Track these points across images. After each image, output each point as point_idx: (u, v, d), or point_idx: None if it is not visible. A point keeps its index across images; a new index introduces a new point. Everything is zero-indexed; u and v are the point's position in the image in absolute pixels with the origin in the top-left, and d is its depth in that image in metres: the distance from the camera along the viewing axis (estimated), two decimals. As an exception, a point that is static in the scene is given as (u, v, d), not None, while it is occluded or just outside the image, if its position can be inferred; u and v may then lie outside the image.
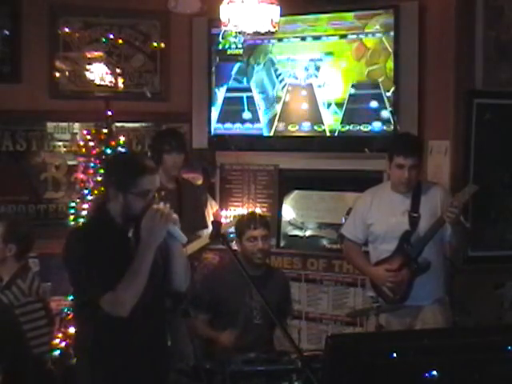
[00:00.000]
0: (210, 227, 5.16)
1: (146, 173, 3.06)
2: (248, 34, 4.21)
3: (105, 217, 3.11)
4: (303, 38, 5.44)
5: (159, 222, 3.00)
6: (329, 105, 5.38)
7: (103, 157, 5.10)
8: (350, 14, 5.30)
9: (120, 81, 5.37)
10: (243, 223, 4.36)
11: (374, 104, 5.25)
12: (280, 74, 5.55)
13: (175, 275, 3.20)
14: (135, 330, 3.06)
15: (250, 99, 5.64)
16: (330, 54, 5.36)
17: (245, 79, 5.67)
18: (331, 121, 5.38)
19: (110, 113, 5.19)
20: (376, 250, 4.35)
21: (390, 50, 5.16)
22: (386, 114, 5.20)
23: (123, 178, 3.05)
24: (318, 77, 5.41)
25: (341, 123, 5.35)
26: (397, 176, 4.23)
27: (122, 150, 5.18)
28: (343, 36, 5.31)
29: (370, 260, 4.40)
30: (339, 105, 5.34)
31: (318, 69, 5.40)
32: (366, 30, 5.23)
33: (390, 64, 5.16)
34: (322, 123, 5.41)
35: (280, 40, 5.49)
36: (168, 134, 5.08)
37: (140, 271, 2.98)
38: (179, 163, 4.83)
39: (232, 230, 4.65)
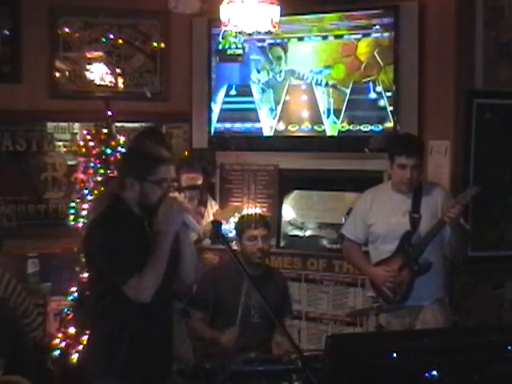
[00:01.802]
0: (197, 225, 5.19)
1: (162, 162, 3.16)
2: (248, 34, 4.22)
3: (121, 205, 3.17)
4: (302, 39, 5.44)
5: (176, 211, 3.10)
6: (329, 105, 5.38)
7: (103, 157, 5.10)
8: (350, 14, 5.30)
9: (120, 81, 5.38)
10: (243, 222, 4.37)
11: (373, 104, 5.25)
12: (280, 74, 5.55)
13: (184, 264, 3.27)
14: (152, 318, 3.12)
15: (250, 99, 5.64)
16: (327, 67, 5.37)
17: (245, 79, 5.68)
18: (331, 121, 5.38)
19: (110, 113, 5.20)
20: (376, 250, 4.35)
21: (381, 63, 5.18)
22: (385, 114, 5.20)
23: (141, 167, 3.14)
24: (318, 76, 5.41)
25: (341, 123, 5.35)
26: (399, 176, 4.22)
27: (123, 149, 5.18)
28: (343, 36, 5.32)
29: (371, 260, 4.40)
30: (339, 105, 5.34)
31: (317, 69, 5.42)
32: (366, 30, 5.23)
33: (383, 77, 5.17)
34: (322, 123, 5.41)
35: (280, 40, 5.49)
36: (148, 131, 5.11)
37: (160, 258, 3.07)
38: None
39: (231, 227, 4.65)
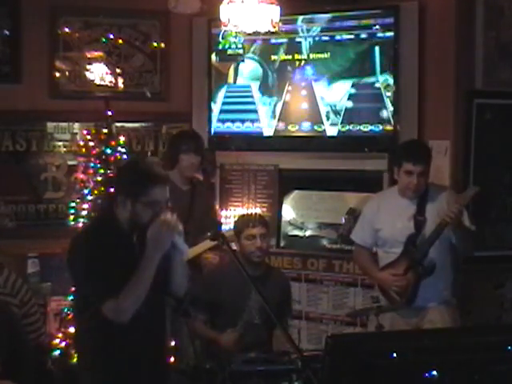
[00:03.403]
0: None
1: (157, 183, 3.06)
2: (248, 34, 4.21)
3: (111, 221, 3.11)
4: (303, 38, 5.44)
5: (165, 233, 3.02)
6: (329, 105, 5.38)
7: (103, 157, 5.10)
8: (350, 14, 5.30)
9: (120, 81, 5.37)
10: (242, 222, 4.37)
11: (373, 104, 5.25)
12: (280, 74, 5.54)
13: (173, 283, 3.24)
14: (136, 334, 3.07)
15: (250, 99, 5.64)
16: (327, 67, 5.38)
17: (245, 79, 5.68)
18: (331, 121, 5.38)
19: (110, 113, 5.19)
20: (385, 253, 4.38)
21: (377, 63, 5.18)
22: (385, 114, 5.19)
23: (134, 186, 3.06)
24: (318, 76, 5.41)
25: (341, 123, 5.35)
26: (405, 182, 4.24)
27: (123, 149, 5.18)
28: (343, 36, 5.31)
29: (379, 263, 4.41)
30: (339, 105, 5.34)
31: (317, 69, 5.41)
32: (366, 30, 5.23)
33: (381, 77, 5.17)
34: (322, 123, 5.41)
35: (280, 40, 5.49)
36: (187, 134, 5.11)
37: (143, 280, 3.00)
38: (196, 164, 4.86)
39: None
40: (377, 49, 5.20)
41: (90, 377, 3.16)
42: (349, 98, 5.30)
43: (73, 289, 3.47)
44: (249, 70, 5.66)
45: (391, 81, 5.15)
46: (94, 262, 3.00)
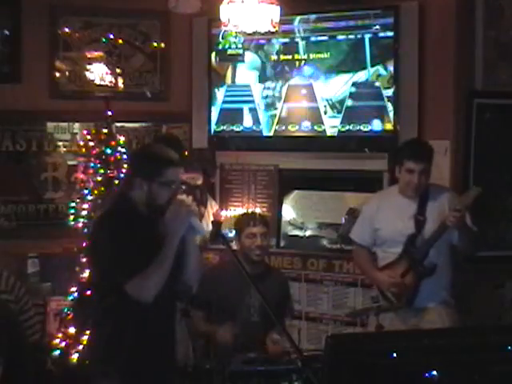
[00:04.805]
0: (209, 227, 5.18)
1: (171, 164, 3.20)
2: (248, 34, 4.22)
3: (127, 204, 3.20)
4: (303, 38, 5.44)
5: (183, 214, 3.14)
6: (329, 105, 5.38)
7: (103, 157, 5.10)
8: (350, 14, 5.30)
9: (120, 81, 5.37)
10: (243, 220, 4.39)
11: (373, 104, 5.25)
12: (280, 74, 5.54)
13: (188, 266, 3.28)
14: (154, 319, 3.13)
15: (250, 99, 5.64)
16: (328, 67, 5.37)
17: (245, 79, 5.67)
18: (331, 121, 5.38)
19: (110, 113, 5.19)
20: (384, 253, 4.36)
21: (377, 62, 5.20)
22: (385, 114, 5.20)
23: (150, 168, 3.18)
24: (318, 77, 5.41)
25: (341, 123, 5.35)
26: (406, 180, 4.22)
27: (123, 149, 5.18)
28: (343, 36, 5.31)
29: (378, 263, 4.40)
30: (339, 105, 5.34)
31: (317, 69, 5.41)
32: (366, 30, 5.23)
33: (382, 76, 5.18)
34: (322, 123, 5.41)
35: (280, 40, 5.49)
36: (165, 139, 5.03)
37: (165, 260, 3.09)
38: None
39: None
40: (377, 49, 5.20)
41: (103, 367, 3.19)
42: (349, 98, 5.30)
43: (89, 276, 3.49)
44: (248, 61, 5.63)
45: (391, 81, 5.15)
46: (115, 243, 3.08)
